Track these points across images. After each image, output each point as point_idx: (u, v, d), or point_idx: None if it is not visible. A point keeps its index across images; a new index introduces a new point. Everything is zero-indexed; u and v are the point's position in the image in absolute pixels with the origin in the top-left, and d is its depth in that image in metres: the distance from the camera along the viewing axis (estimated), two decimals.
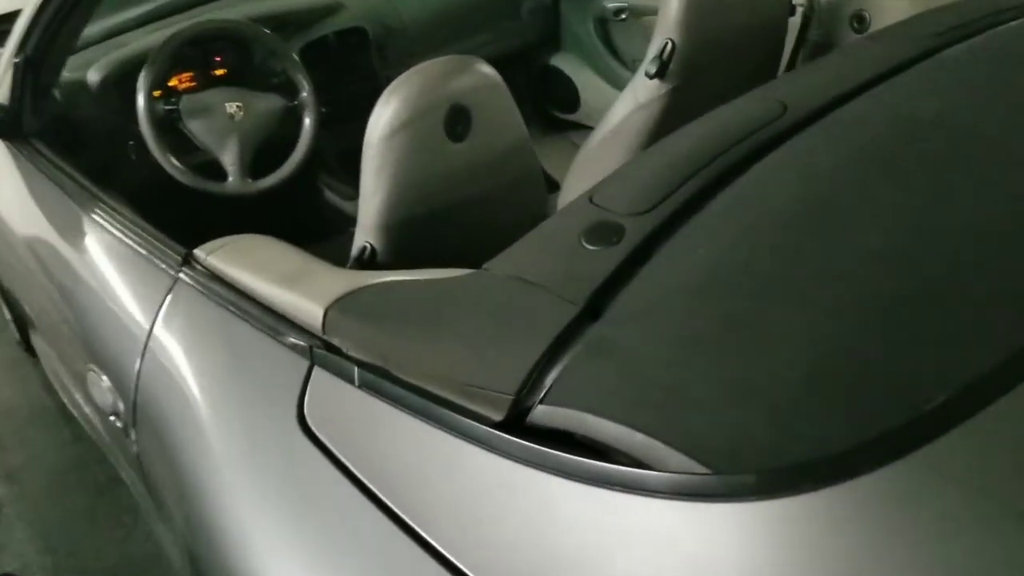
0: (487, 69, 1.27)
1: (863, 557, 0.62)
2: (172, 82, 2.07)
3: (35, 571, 2.04)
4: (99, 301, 1.36)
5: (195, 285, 1.19)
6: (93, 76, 2.07)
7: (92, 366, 1.34)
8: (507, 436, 0.78)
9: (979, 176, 0.88)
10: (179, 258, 1.24)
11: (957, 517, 0.63)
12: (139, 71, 1.99)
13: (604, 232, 0.91)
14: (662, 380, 0.77)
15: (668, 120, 1.62)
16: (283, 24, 2.24)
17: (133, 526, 2.13)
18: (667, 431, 0.71)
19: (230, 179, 1.99)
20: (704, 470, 0.68)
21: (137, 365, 1.19)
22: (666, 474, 0.69)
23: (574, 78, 2.70)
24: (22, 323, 2.53)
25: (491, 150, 1.28)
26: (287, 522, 0.89)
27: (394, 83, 1.23)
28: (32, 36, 1.69)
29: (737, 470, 0.68)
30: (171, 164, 1.93)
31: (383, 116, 1.21)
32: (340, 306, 1.00)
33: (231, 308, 1.12)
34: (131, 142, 2.04)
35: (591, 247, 0.90)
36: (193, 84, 2.11)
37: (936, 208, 0.84)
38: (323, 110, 2.09)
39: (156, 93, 1.95)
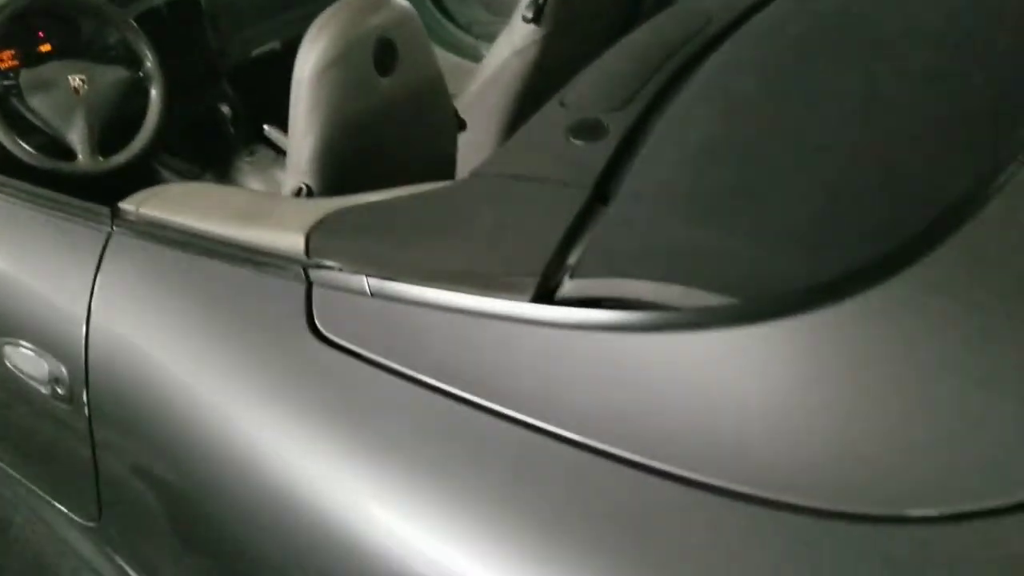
0: (404, 2, 1.30)
1: (875, 358, 0.74)
2: None
3: None
4: (13, 278, 1.27)
5: (135, 236, 1.15)
6: None
7: (11, 341, 1.25)
8: (545, 307, 0.84)
9: (901, 46, 1.03)
10: (106, 215, 1.20)
11: (935, 332, 0.76)
12: None
13: (588, 128, 0.98)
14: (681, 240, 0.86)
15: (545, 63, 1.71)
16: None
17: None
18: (695, 277, 0.81)
19: (79, 158, 1.88)
20: (734, 300, 0.78)
21: (83, 329, 1.14)
22: (703, 308, 0.78)
23: None
24: None
25: (415, 83, 1.32)
26: (329, 432, 0.90)
27: (319, 19, 1.24)
28: None
29: (762, 295, 0.78)
30: (15, 144, 1.80)
31: (312, 53, 1.22)
32: (322, 230, 1.02)
33: (188, 249, 1.10)
34: None
35: (580, 142, 0.97)
36: (15, 64, 1.97)
37: (877, 75, 0.98)
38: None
39: None
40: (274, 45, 2.45)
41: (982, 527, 0.65)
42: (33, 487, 1.64)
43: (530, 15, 1.65)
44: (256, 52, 2.41)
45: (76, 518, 1.52)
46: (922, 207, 0.82)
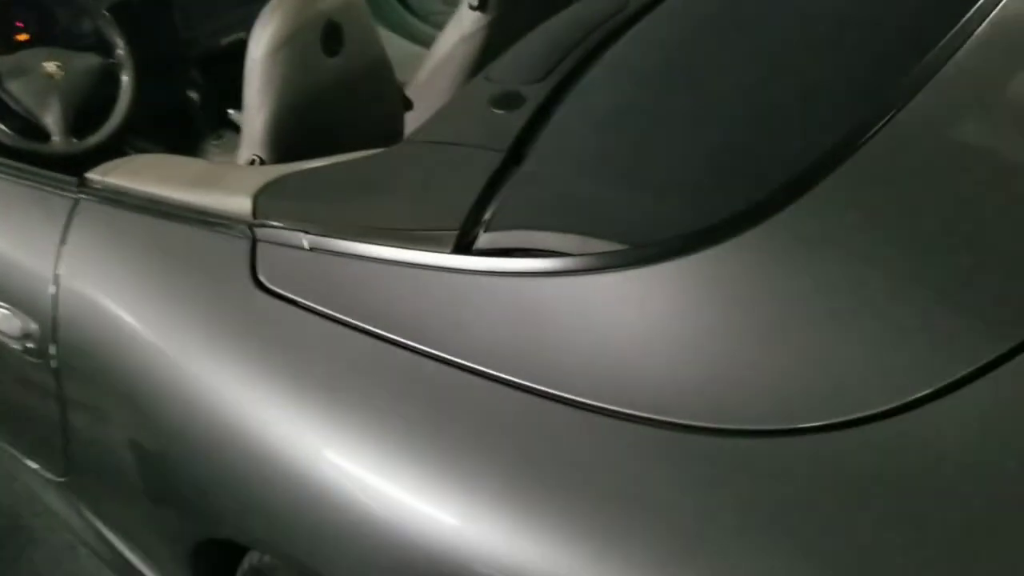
0: None
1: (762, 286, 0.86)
2: None
3: None
4: None
5: (100, 202, 1.25)
6: None
7: None
8: (462, 257, 0.95)
9: (794, 23, 1.14)
10: (73, 183, 1.30)
11: (804, 267, 0.87)
12: None
13: (508, 99, 1.09)
14: (582, 195, 0.97)
15: (491, 48, 1.81)
16: None
17: None
18: (592, 227, 0.92)
19: (54, 138, 1.98)
20: (624, 246, 0.89)
21: (51, 288, 1.24)
22: (598, 254, 0.89)
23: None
24: None
25: (360, 64, 1.43)
26: (270, 374, 1.01)
27: (271, 3, 1.34)
28: None
29: (648, 241, 0.89)
30: None
31: (264, 34, 1.32)
32: (267, 193, 1.13)
33: (148, 213, 1.20)
34: None
35: (500, 111, 1.08)
36: None
37: (769, 48, 1.09)
38: None
39: None
40: (241, 35, 2.54)
41: (866, 432, 0.76)
42: (8, 446, 1.74)
43: (476, 3, 1.76)
44: (224, 41, 2.51)
45: (47, 475, 1.62)
46: (793, 160, 0.94)
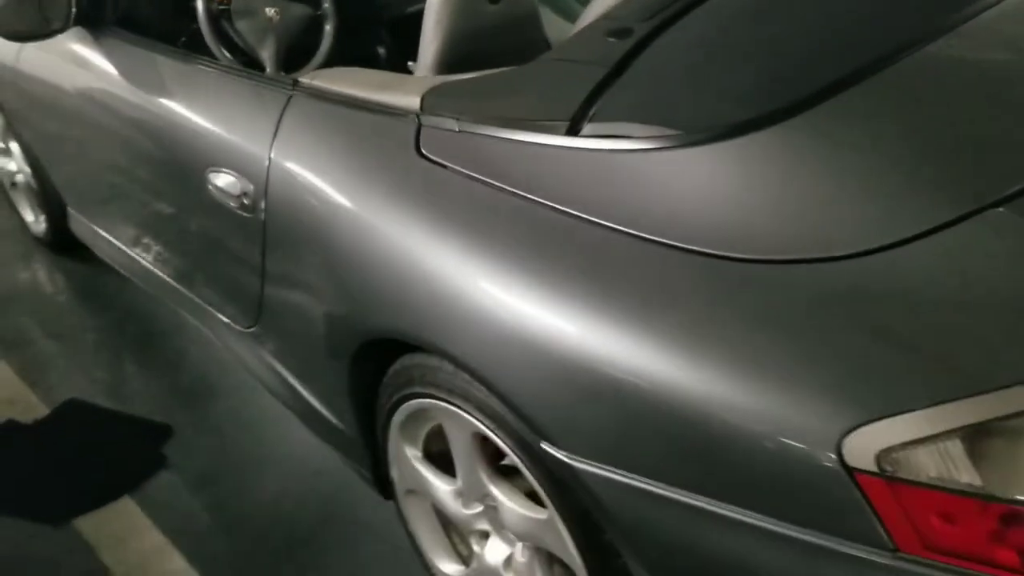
0: None
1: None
2: None
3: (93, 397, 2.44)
4: (219, 121, 1.80)
5: (307, 96, 1.66)
6: None
7: (215, 168, 1.78)
8: (571, 138, 1.29)
9: None
10: (289, 82, 1.70)
11: (828, 147, 1.16)
12: None
13: (620, 31, 1.42)
14: (663, 98, 1.29)
15: None
16: None
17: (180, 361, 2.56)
18: (667, 119, 1.24)
19: (268, 70, 2.42)
20: (681, 131, 1.21)
21: (268, 153, 1.65)
22: (668, 132, 1.21)
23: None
24: (55, 216, 2.90)
25: (515, 12, 1.78)
26: (426, 213, 1.37)
27: None
28: None
29: (702, 129, 1.20)
30: (223, 54, 2.36)
31: None
32: (431, 93, 1.49)
33: (343, 106, 1.59)
34: (183, 38, 2.46)
35: (612, 39, 1.41)
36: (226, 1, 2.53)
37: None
38: None
39: None
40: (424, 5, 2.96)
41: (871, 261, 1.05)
42: (200, 300, 2.18)
43: None
44: (411, 9, 2.93)
45: (237, 326, 2.05)
46: (832, 69, 1.24)
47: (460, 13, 1.71)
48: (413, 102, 1.49)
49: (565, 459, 1.19)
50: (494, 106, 1.43)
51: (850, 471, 0.97)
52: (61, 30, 2.18)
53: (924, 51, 1.26)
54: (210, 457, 2.21)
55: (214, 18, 2.38)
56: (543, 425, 1.21)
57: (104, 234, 2.59)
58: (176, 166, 1.97)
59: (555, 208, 1.25)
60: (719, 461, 1.06)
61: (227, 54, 2.38)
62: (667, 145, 1.22)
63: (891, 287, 1.04)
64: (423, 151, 1.43)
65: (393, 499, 1.76)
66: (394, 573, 1.85)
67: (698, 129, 1.22)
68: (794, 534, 1.02)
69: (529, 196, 1.28)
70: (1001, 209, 1.06)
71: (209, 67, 1.95)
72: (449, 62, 1.73)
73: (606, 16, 1.51)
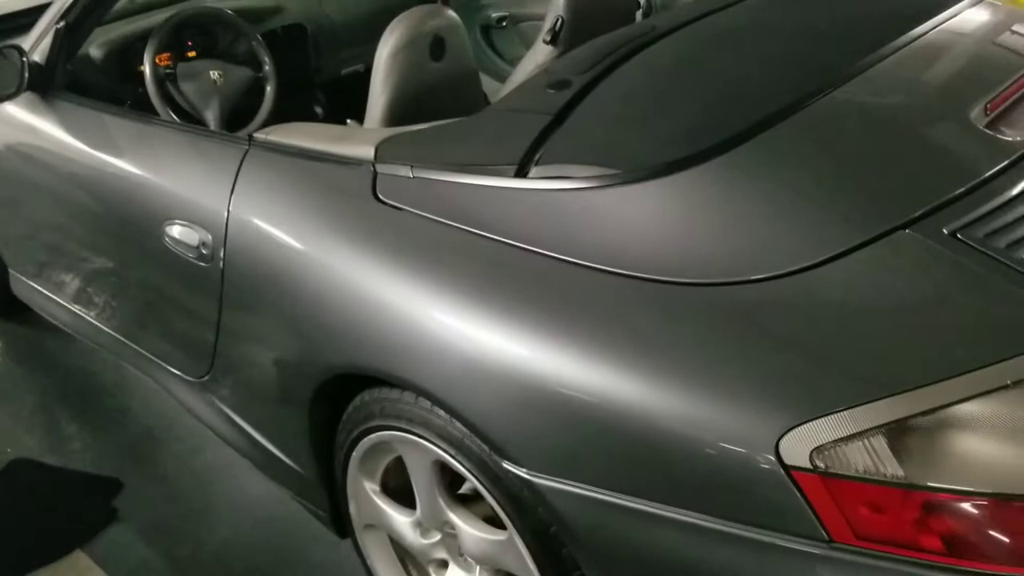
0: (453, 14, 1.89)
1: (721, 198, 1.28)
2: (158, 60, 2.56)
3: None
4: (176, 176, 1.87)
5: (264, 150, 1.74)
6: (96, 51, 2.55)
7: (171, 221, 1.83)
8: (519, 180, 1.39)
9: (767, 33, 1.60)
10: (245, 138, 1.78)
11: (753, 181, 1.29)
12: (132, 49, 2.49)
13: (559, 83, 1.54)
14: (600, 142, 1.41)
15: None
16: (242, 17, 2.78)
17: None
18: (605, 160, 1.35)
19: (211, 129, 2.49)
20: (620, 170, 1.32)
21: (226, 205, 1.71)
22: (608, 172, 1.33)
23: None
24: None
25: (456, 69, 1.90)
26: (384, 250, 1.45)
27: (396, 20, 1.82)
28: (75, 7, 2.18)
29: (638, 168, 1.32)
30: (168, 115, 2.43)
31: (391, 39, 1.80)
32: (384, 143, 1.59)
33: (299, 157, 1.67)
34: (128, 102, 2.52)
35: (552, 91, 1.53)
36: (171, 61, 2.60)
37: (748, 53, 1.54)
38: None
39: (160, 59, 2.45)
40: (359, 67, 3.08)
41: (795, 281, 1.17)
42: (149, 353, 2.21)
43: (548, 38, 2.22)
44: (345, 71, 3.05)
45: (187, 376, 2.09)
46: (752, 113, 1.39)
47: (406, 71, 1.81)
48: (368, 152, 1.59)
49: (525, 476, 1.27)
50: (445, 153, 1.53)
51: (787, 469, 1.07)
52: (14, 95, 2.22)
53: (836, 93, 1.41)
54: (160, 507, 2.22)
55: (160, 81, 2.45)
56: (503, 446, 1.29)
57: (48, 294, 2.59)
58: (130, 221, 2.01)
59: (507, 243, 1.35)
60: (668, 468, 1.16)
61: (173, 115, 2.45)
62: (607, 183, 1.34)
63: (816, 302, 1.16)
64: (380, 196, 1.52)
65: (348, 537, 1.81)
66: None
67: (634, 168, 1.33)
68: (741, 532, 1.12)
69: (482, 233, 1.38)
70: (906, 231, 1.20)
71: (164, 125, 2.02)
72: (396, 115, 1.83)
73: (545, 71, 1.64)
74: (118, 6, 2.66)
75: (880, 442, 1.05)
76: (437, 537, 1.59)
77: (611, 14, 2.21)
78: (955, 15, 1.67)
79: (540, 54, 2.28)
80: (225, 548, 2.09)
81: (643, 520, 1.18)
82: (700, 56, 1.60)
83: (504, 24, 3.23)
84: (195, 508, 2.22)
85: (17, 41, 2.29)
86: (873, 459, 1.05)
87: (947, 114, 1.41)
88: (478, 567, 1.56)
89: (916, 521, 1.05)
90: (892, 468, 1.05)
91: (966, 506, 1.03)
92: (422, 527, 1.60)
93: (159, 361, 2.20)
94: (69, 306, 2.52)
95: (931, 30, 1.60)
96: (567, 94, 1.51)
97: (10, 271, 2.79)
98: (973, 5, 1.73)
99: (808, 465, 1.07)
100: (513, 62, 3.23)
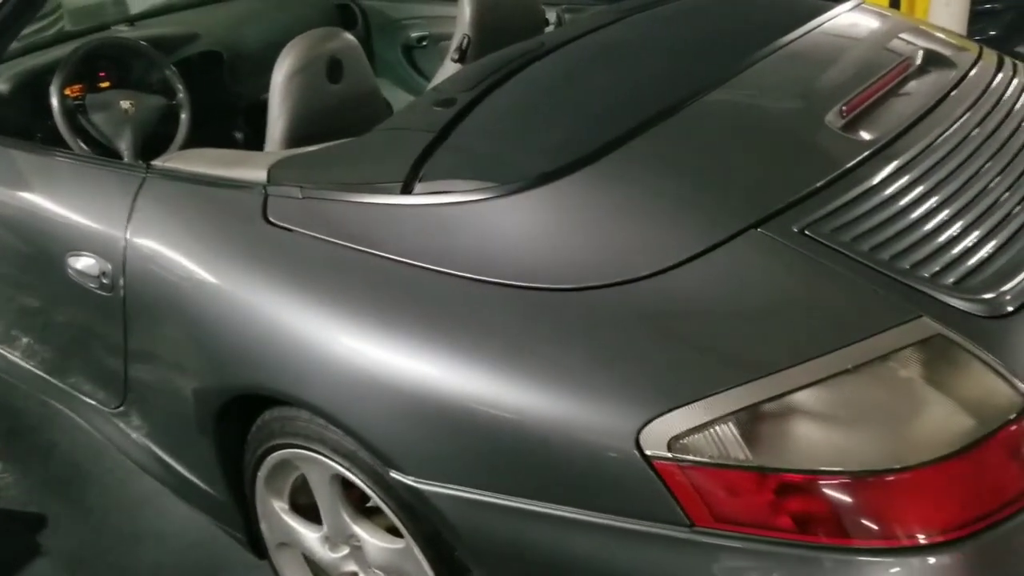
0: (350, 36, 1.93)
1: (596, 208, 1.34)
2: (66, 92, 2.57)
3: None
4: (76, 207, 1.89)
5: (161, 177, 1.76)
6: (3, 85, 2.55)
7: (74, 252, 1.85)
8: (404, 197, 1.44)
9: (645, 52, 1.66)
10: (143, 166, 1.81)
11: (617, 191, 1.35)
12: (41, 81, 2.50)
13: (445, 101, 1.59)
14: (485, 154, 1.47)
15: None
16: (156, 46, 2.80)
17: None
18: (484, 175, 1.40)
19: (125, 159, 2.51)
20: (497, 183, 1.37)
21: (124, 233, 1.74)
22: (487, 185, 1.37)
23: (389, 98, 3.38)
24: None
25: (356, 90, 1.94)
26: (276, 270, 1.49)
27: (291, 43, 1.86)
28: None
29: (515, 181, 1.37)
30: (79, 147, 2.44)
31: (285, 64, 1.84)
32: (277, 166, 1.63)
33: (194, 183, 1.70)
34: (39, 135, 2.53)
35: (438, 108, 1.58)
36: (82, 92, 2.61)
37: (627, 67, 1.61)
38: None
39: (67, 92, 2.46)
40: None
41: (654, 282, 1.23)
42: (66, 387, 2.22)
43: (456, 56, 2.28)
44: (264, 96, 3.07)
45: (104, 408, 2.10)
46: (624, 121, 1.45)
47: (303, 93, 1.85)
48: (260, 175, 1.62)
49: (412, 483, 1.31)
50: (334, 173, 1.57)
51: (648, 459, 1.12)
52: None
53: (700, 102, 1.48)
54: (85, 540, 2.22)
55: (69, 113, 2.46)
56: (390, 455, 1.33)
57: None
58: (36, 256, 2.03)
59: (392, 259, 1.39)
60: (540, 466, 1.20)
61: (84, 147, 2.46)
62: (486, 197, 1.38)
63: (673, 302, 1.22)
64: (270, 218, 1.55)
65: (266, 558, 1.83)
66: None
67: (511, 181, 1.38)
68: (610, 522, 1.17)
69: (368, 251, 1.42)
70: (758, 230, 1.26)
71: (64, 158, 2.03)
72: (296, 138, 1.86)
73: (434, 89, 1.69)
74: (30, 39, 2.69)
75: (731, 429, 1.11)
76: (345, 551, 1.62)
77: (518, 31, 2.27)
78: (821, 24, 1.75)
79: (449, 71, 2.33)
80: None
81: (520, 517, 1.23)
82: (579, 71, 1.67)
83: (425, 43, 3.28)
84: (119, 540, 2.22)
85: None
86: (725, 445, 1.11)
87: (804, 117, 1.48)
88: None
89: (769, 502, 1.11)
90: (743, 453, 1.10)
91: (813, 485, 1.09)
92: (330, 542, 1.63)
93: (77, 394, 2.21)
94: None
95: (796, 39, 1.68)
96: (451, 111, 1.56)
97: None
98: (840, 14, 1.81)
99: (667, 454, 1.12)
100: (430, 77, 3.28)
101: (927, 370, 1.15)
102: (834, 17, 1.78)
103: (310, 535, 1.66)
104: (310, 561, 1.75)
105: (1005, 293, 1.22)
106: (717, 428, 1.11)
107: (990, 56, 1.75)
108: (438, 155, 1.48)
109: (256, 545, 1.84)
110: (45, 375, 2.32)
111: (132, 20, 3.09)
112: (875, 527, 1.08)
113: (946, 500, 1.09)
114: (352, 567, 1.64)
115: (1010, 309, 1.20)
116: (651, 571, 1.16)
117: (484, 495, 1.25)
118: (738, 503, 1.12)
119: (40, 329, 2.27)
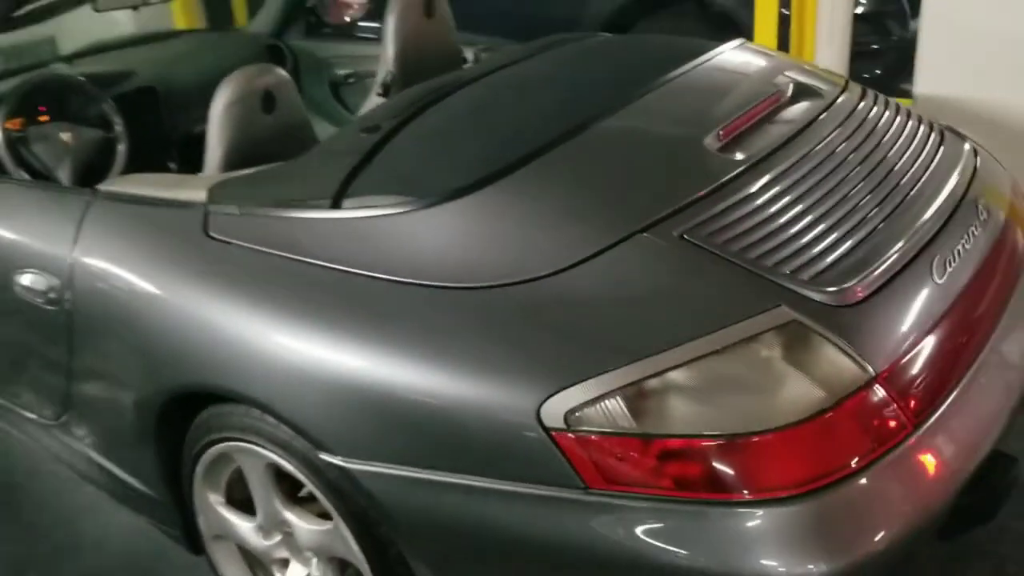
0: (283, 72, 2.10)
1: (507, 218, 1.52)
2: (7, 125, 2.67)
3: None
4: (24, 228, 2.01)
5: (107, 199, 1.90)
6: None
7: (22, 270, 1.97)
8: (332, 211, 1.60)
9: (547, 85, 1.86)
10: (88, 191, 1.94)
11: (528, 200, 1.54)
12: None
13: (371, 128, 1.77)
14: (404, 173, 1.64)
15: None
16: (93, 82, 2.92)
17: None
18: (404, 190, 1.58)
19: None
20: (415, 197, 1.55)
21: (71, 251, 1.86)
22: (407, 200, 1.55)
23: (317, 132, 3.55)
24: None
25: (288, 120, 2.10)
26: (219, 280, 1.63)
27: (227, 78, 2.01)
28: None
29: (431, 195, 1.55)
30: (20, 175, 2.54)
31: (223, 96, 1.99)
32: (216, 187, 1.78)
33: (138, 204, 1.84)
34: None
35: (364, 134, 1.75)
36: (23, 126, 2.72)
37: (537, 96, 1.83)
38: None
39: (10, 124, 2.57)
40: None
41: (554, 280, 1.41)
42: (5, 401, 2.31)
43: (381, 91, 2.46)
44: (197, 129, 3.20)
45: (44, 420, 2.20)
46: (528, 143, 1.64)
47: (238, 123, 2.00)
48: (201, 195, 1.77)
49: (340, 463, 1.46)
50: (270, 192, 1.73)
51: (547, 431, 1.29)
52: None
53: (595, 128, 1.68)
54: (23, 553, 2.30)
55: (11, 143, 2.57)
56: (321, 439, 1.48)
57: None
58: None
59: (322, 265, 1.55)
60: (452, 441, 1.37)
61: (25, 175, 2.57)
62: (406, 210, 1.56)
63: (570, 296, 1.40)
64: (211, 234, 1.70)
65: (203, 552, 1.95)
66: None
67: (428, 195, 1.56)
68: (515, 488, 1.33)
69: (301, 259, 1.57)
70: (644, 234, 1.45)
71: (14, 184, 2.14)
72: (232, 163, 2.01)
73: (361, 118, 1.86)
74: None
75: (618, 403, 1.29)
76: (278, 538, 1.75)
77: (438, 68, 2.45)
78: (705, 61, 1.98)
79: (374, 104, 2.51)
80: None
81: (437, 489, 1.39)
82: (489, 102, 1.87)
83: (352, 80, 3.46)
84: (62, 548, 2.31)
85: None
86: (613, 417, 1.28)
87: (686, 140, 1.69)
88: (315, 559, 1.73)
89: (652, 465, 1.29)
90: (628, 423, 1.28)
91: (688, 448, 1.28)
92: (263, 530, 1.76)
93: (18, 409, 2.30)
94: None
95: (683, 74, 1.90)
96: (375, 136, 1.73)
97: None
98: (723, 52, 2.04)
99: (563, 426, 1.29)
100: (356, 112, 3.45)
101: (784, 350, 1.34)
102: (718, 55, 2.01)
103: (244, 525, 1.78)
104: (244, 553, 1.88)
105: (854, 286, 1.42)
106: (606, 402, 1.29)
107: (855, 88, 1.98)
108: (364, 175, 1.65)
109: (191, 540, 1.96)
110: None
111: (70, 59, 3.21)
112: (741, 483, 1.27)
113: (800, 459, 1.28)
114: (284, 553, 1.77)
115: (857, 299, 1.41)
116: (551, 530, 1.33)
117: (405, 470, 1.41)
118: (625, 467, 1.29)
119: None
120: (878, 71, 3.27)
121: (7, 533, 2.37)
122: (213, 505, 1.81)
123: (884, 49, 3.29)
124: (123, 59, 3.27)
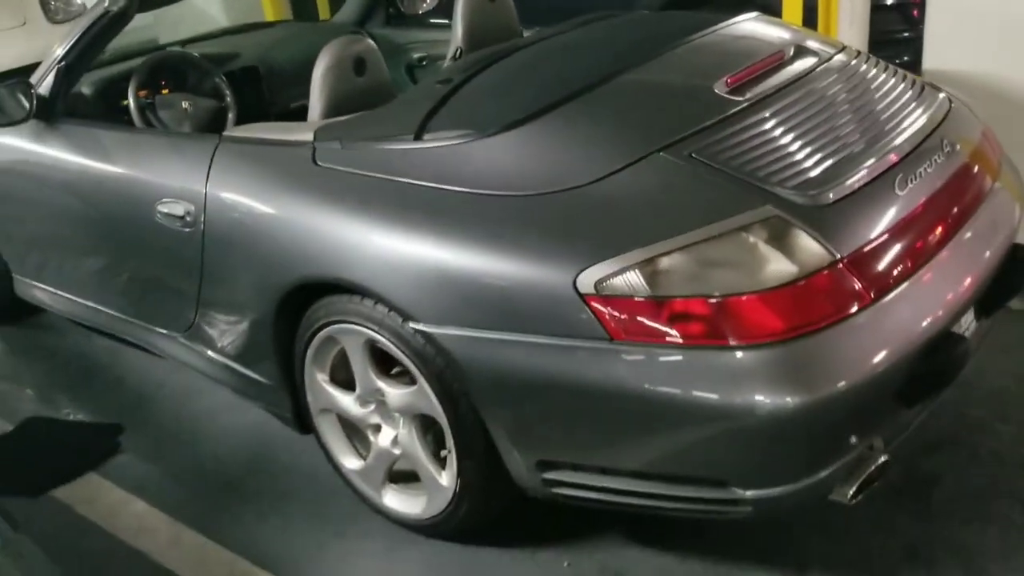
0: (371, 41, 2.54)
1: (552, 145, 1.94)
2: (140, 94, 3.17)
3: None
4: (164, 167, 2.48)
5: (231, 143, 2.36)
6: (87, 89, 3.16)
7: (163, 200, 2.44)
8: (417, 142, 2.03)
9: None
10: (216, 135, 2.41)
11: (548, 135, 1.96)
12: (116, 87, 3.11)
13: (446, 80, 2.20)
14: (470, 112, 2.07)
15: None
16: (206, 60, 3.41)
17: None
18: (473, 124, 2.00)
19: None
20: (478, 130, 1.98)
21: (205, 181, 2.33)
22: (472, 132, 1.97)
23: None
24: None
25: (375, 82, 2.54)
26: (330, 198, 2.08)
27: (326, 47, 2.46)
28: (74, 50, 2.79)
29: (491, 127, 1.97)
30: None
31: (323, 60, 2.44)
32: (320, 129, 2.22)
33: (257, 144, 2.30)
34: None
35: (439, 85, 2.18)
36: (149, 95, 3.21)
37: (577, 56, 2.22)
38: None
39: (140, 93, 3.07)
40: (305, 102, 3.72)
41: (589, 187, 1.81)
42: (141, 321, 2.80)
43: (451, 62, 2.89)
44: (293, 105, 3.69)
45: (172, 332, 2.67)
46: (568, 89, 2.05)
47: (334, 82, 2.44)
48: (308, 136, 2.22)
49: (423, 328, 1.88)
50: (365, 130, 2.17)
51: (582, 296, 1.70)
52: (24, 120, 2.81)
53: (624, 76, 2.09)
54: (158, 440, 2.79)
55: (141, 109, 3.07)
56: (408, 310, 1.91)
57: (50, 289, 3.17)
58: (125, 209, 2.61)
59: (408, 182, 1.98)
60: (510, 306, 1.79)
61: None
62: (471, 139, 1.98)
63: (602, 199, 1.81)
64: (318, 163, 2.14)
65: (309, 432, 2.39)
66: (310, 492, 2.46)
67: (488, 128, 1.98)
68: (557, 342, 1.75)
69: (391, 178, 2.01)
70: (661, 153, 1.85)
71: (150, 134, 2.62)
72: (330, 115, 2.46)
73: (436, 74, 2.30)
74: (105, 54, 3.30)
75: (636, 274, 1.69)
76: (372, 406, 2.19)
77: (499, 42, 2.88)
78: (719, 28, 2.38)
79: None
80: (214, 461, 2.67)
81: (495, 345, 1.81)
82: (540, 60, 2.31)
83: (424, 63, 3.91)
84: (186, 440, 2.78)
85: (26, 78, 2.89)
86: (633, 285, 1.69)
87: (698, 85, 2.09)
88: (402, 419, 2.15)
89: (662, 320, 1.68)
90: (644, 290, 1.68)
91: (693, 306, 1.67)
92: (361, 399, 2.20)
93: (150, 326, 2.78)
94: (68, 296, 3.10)
95: (699, 38, 2.30)
96: (448, 87, 2.17)
97: (14, 276, 3.36)
98: (737, 22, 2.43)
99: (594, 291, 1.70)
100: None
101: (767, 237, 1.73)
102: (734, 23, 2.40)
103: (346, 398, 2.22)
104: (343, 424, 2.32)
105: (827, 191, 1.80)
106: (627, 274, 1.69)
107: (851, 50, 2.36)
108: (439, 114, 2.08)
109: (299, 420, 2.41)
110: (119, 314, 2.90)
111: (184, 43, 3.72)
112: (731, 332, 1.65)
113: (777, 315, 1.67)
114: (376, 419, 2.21)
115: (829, 202, 1.79)
116: (583, 371, 1.74)
117: (473, 331, 1.83)
118: (642, 323, 1.69)
119: (118, 276, 2.84)
120: (906, 57, 3.57)
121: (141, 431, 2.86)
122: (320, 382, 2.26)
123: (912, 38, 3.59)
124: (230, 44, 3.78)
